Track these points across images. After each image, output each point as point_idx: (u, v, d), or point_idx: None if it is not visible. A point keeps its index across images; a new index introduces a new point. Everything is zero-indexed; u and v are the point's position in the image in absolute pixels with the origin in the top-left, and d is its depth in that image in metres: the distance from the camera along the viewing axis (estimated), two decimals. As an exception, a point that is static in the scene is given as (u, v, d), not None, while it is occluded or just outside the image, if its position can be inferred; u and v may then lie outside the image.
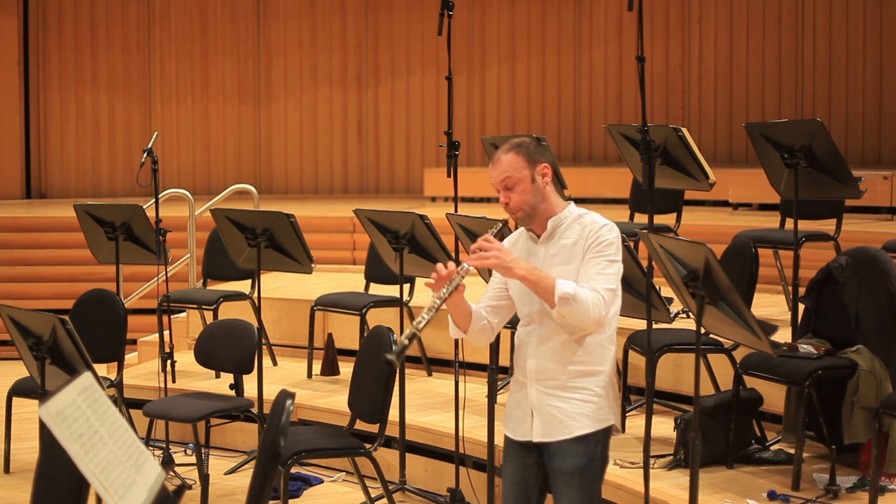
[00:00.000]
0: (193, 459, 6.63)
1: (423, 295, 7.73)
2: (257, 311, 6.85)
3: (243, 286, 8.16)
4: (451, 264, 3.90)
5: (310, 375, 7.63)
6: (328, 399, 7.05)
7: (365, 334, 6.89)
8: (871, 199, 8.72)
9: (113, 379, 6.85)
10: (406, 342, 3.73)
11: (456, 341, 5.79)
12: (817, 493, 5.15)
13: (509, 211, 3.96)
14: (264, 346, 7.53)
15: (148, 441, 6.69)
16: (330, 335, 7.69)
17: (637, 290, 5.29)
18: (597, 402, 3.92)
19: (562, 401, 3.91)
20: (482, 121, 12.75)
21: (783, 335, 6.13)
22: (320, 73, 13.10)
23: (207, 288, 8.52)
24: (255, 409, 6.41)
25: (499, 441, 5.62)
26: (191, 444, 6.99)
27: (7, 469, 6.89)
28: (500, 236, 3.96)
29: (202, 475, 6.14)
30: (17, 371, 6.86)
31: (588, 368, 3.91)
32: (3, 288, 10.48)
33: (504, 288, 4.07)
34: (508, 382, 7.01)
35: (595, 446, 3.94)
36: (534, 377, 3.95)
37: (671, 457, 5.52)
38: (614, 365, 4.02)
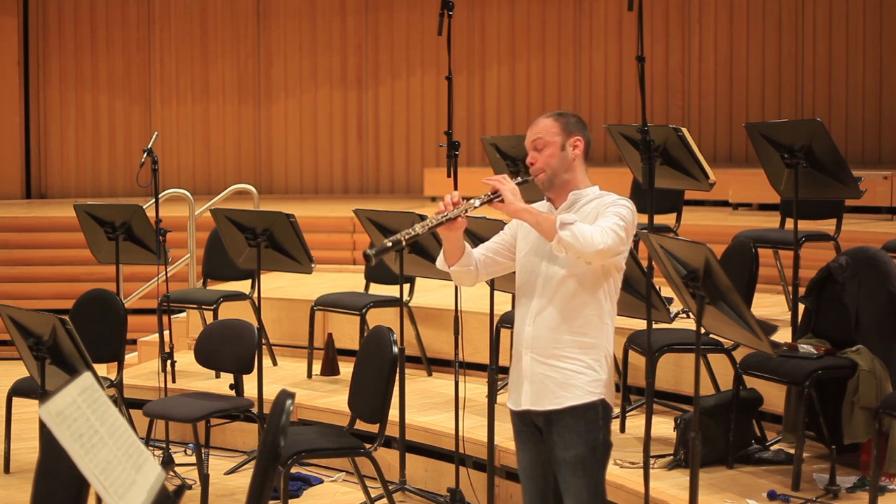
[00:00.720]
0: (193, 459, 6.63)
1: (423, 295, 7.73)
2: (257, 311, 6.85)
3: (243, 286, 8.16)
4: (457, 195, 3.95)
5: (310, 375, 7.63)
6: (328, 399, 7.05)
7: (365, 334, 6.89)
8: (871, 199, 8.72)
9: (113, 379, 6.85)
10: (388, 244, 3.75)
11: (456, 341, 5.79)
12: (817, 493, 5.15)
13: (533, 171, 4.03)
14: (264, 346, 7.52)
15: (148, 441, 6.69)
16: (330, 335, 7.69)
17: (637, 290, 5.29)
18: (589, 375, 3.94)
19: (554, 370, 3.94)
20: (482, 121, 12.75)
21: (783, 335, 6.13)
22: (320, 73, 13.10)
23: (207, 288, 8.52)
24: (255, 409, 6.41)
25: (499, 441, 5.64)
26: (191, 444, 6.99)
27: (7, 469, 6.89)
28: (522, 182, 4.04)
29: (202, 475, 6.14)
30: (17, 371, 6.85)
31: (583, 340, 3.93)
32: (3, 288, 10.48)
33: (506, 246, 4.12)
34: (508, 383, 7.02)
35: (597, 434, 3.96)
36: (528, 345, 3.98)
37: (671, 457, 5.52)
38: (612, 343, 4.03)
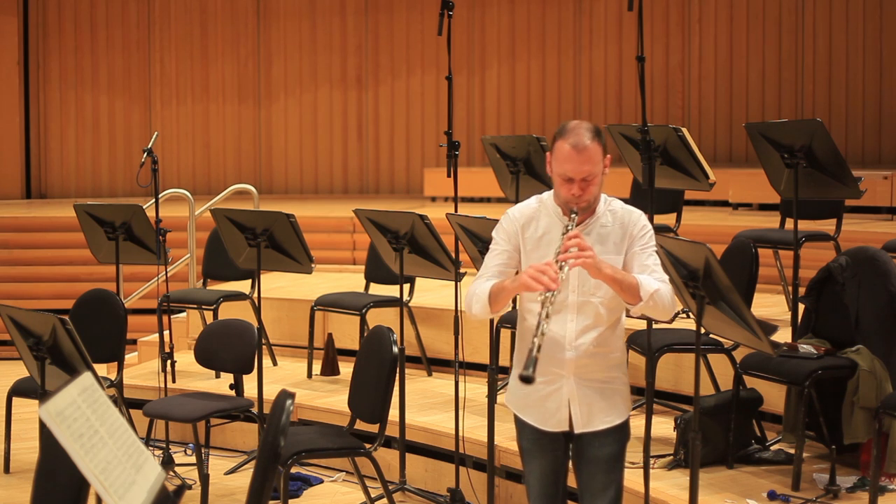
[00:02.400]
0: (193, 459, 6.63)
1: (423, 295, 7.73)
2: (257, 311, 6.85)
3: (243, 286, 8.16)
4: (552, 269, 3.66)
5: (310, 375, 7.63)
6: (328, 399, 7.05)
7: (365, 334, 6.89)
8: (871, 199, 8.72)
9: (113, 379, 6.85)
10: (536, 354, 3.51)
11: (456, 341, 5.78)
12: (817, 493, 5.15)
13: (579, 201, 3.82)
14: (264, 346, 7.52)
15: (148, 441, 6.69)
16: (330, 335, 7.69)
17: (637, 290, 5.29)
18: (625, 390, 4.04)
19: (599, 392, 3.95)
20: (482, 121, 12.75)
21: (783, 335, 6.13)
22: (320, 73, 13.10)
23: (207, 288, 8.52)
24: (255, 409, 6.41)
25: (499, 441, 5.64)
26: (191, 444, 6.99)
27: (7, 469, 6.88)
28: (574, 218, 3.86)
29: (202, 475, 6.14)
30: (17, 371, 6.86)
31: (618, 357, 4.00)
32: (3, 288, 10.48)
33: (512, 265, 3.96)
34: (508, 383, 7.01)
35: (626, 432, 4.05)
36: (573, 369, 3.91)
37: (671, 457, 5.52)
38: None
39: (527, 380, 3.47)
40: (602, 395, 3.95)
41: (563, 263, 3.66)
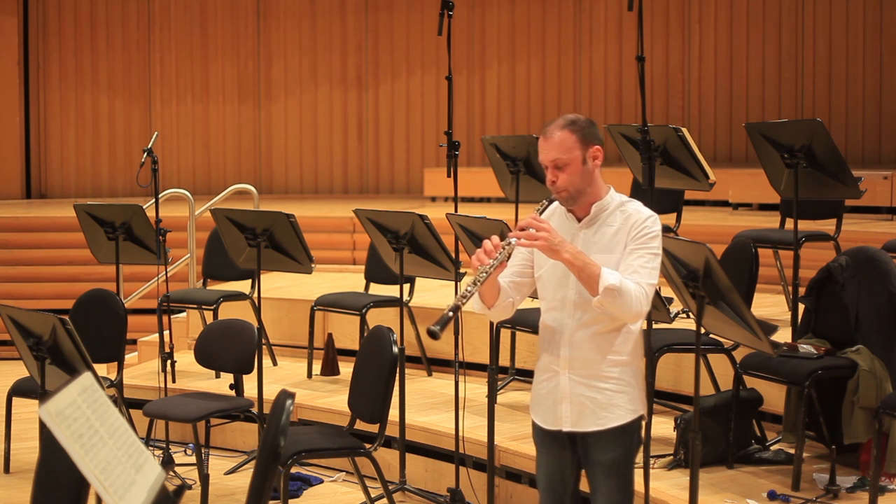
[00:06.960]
0: (193, 459, 6.63)
1: (423, 295, 7.73)
2: (257, 311, 6.85)
3: (243, 286, 8.16)
4: (496, 239, 3.77)
5: (310, 375, 7.63)
6: (328, 399, 7.05)
7: (365, 334, 6.89)
8: (871, 199, 8.72)
9: (113, 379, 6.85)
10: (450, 314, 3.60)
11: (456, 341, 5.78)
12: (817, 493, 5.15)
13: (554, 189, 3.86)
14: (264, 346, 7.52)
15: (148, 441, 6.69)
16: (330, 335, 7.69)
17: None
18: (629, 393, 3.86)
19: (595, 391, 3.84)
20: (482, 121, 12.75)
21: (783, 335, 6.13)
22: (320, 73, 13.10)
23: (207, 288, 8.52)
24: (255, 409, 6.41)
25: (499, 441, 5.64)
26: (191, 444, 7.00)
27: (7, 469, 6.89)
28: (548, 205, 3.89)
29: (202, 475, 6.14)
30: (17, 371, 6.86)
31: (621, 358, 3.84)
32: (3, 288, 10.48)
33: (528, 265, 3.96)
34: (509, 382, 7.02)
35: (632, 437, 3.90)
36: (567, 366, 3.86)
37: (671, 457, 5.52)
38: (643, 354, 3.96)
39: (431, 334, 3.58)
40: (598, 395, 3.83)
41: (511, 239, 3.71)
